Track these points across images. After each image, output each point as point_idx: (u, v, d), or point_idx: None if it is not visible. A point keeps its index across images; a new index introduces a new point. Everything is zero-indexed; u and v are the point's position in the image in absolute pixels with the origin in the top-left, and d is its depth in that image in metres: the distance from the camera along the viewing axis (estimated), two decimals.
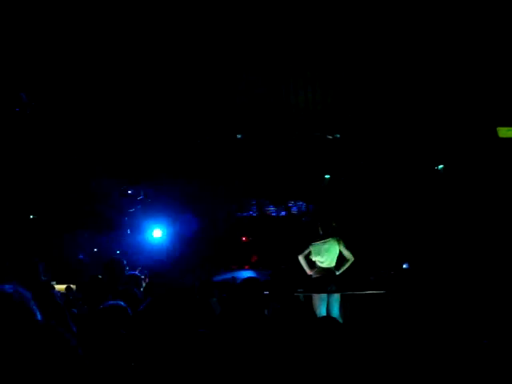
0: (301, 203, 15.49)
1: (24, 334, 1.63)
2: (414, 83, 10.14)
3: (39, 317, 1.82)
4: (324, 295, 6.75)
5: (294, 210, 15.58)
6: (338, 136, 11.39)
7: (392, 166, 11.75)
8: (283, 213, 15.70)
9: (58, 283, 10.73)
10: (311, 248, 7.01)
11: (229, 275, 11.76)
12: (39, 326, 1.74)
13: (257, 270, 12.54)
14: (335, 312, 6.67)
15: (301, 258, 7.08)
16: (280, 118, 10.86)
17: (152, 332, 3.00)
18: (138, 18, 9.37)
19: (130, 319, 3.12)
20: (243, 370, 2.94)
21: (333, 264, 7.00)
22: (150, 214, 13.13)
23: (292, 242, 10.55)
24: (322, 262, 6.98)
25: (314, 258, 7.04)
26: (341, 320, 6.33)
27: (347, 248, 7.00)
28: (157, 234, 12.87)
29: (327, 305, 6.74)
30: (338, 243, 6.96)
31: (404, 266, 10.71)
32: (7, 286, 1.85)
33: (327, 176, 13.16)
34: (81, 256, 14.20)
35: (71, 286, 10.74)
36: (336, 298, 6.79)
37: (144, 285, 4.95)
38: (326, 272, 6.92)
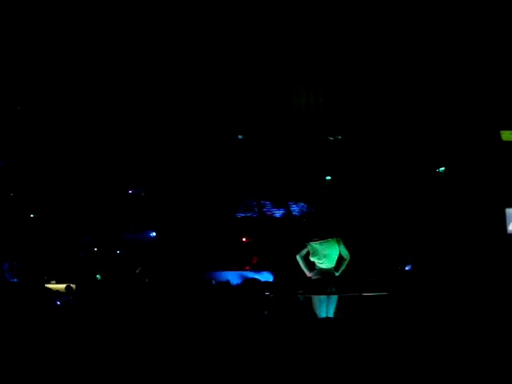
0: (302, 204, 15.45)
1: None
2: (417, 86, 10.15)
3: None
4: (324, 296, 6.67)
5: (295, 211, 15.54)
6: (340, 137, 11.39)
7: (393, 168, 11.72)
8: (284, 214, 15.66)
9: (57, 282, 10.72)
10: (309, 248, 6.85)
11: (229, 276, 11.71)
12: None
13: (257, 270, 12.49)
14: (330, 313, 6.59)
15: (299, 259, 6.90)
16: (281, 118, 10.87)
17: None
18: (140, 19, 9.38)
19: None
20: (243, 370, 2.92)
21: (332, 265, 6.85)
22: (149, 214, 13.14)
23: (293, 243, 10.51)
24: (321, 263, 6.83)
25: (312, 259, 6.88)
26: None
27: (346, 248, 6.88)
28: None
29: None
30: (338, 243, 6.82)
31: (406, 268, 10.67)
32: None
33: (328, 177, 13.13)
34: (81, 255, 14.18)
35: (71, 285, 10.70)
36: (334, 299, 6.69)
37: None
38: (326, 273, 6.81)
